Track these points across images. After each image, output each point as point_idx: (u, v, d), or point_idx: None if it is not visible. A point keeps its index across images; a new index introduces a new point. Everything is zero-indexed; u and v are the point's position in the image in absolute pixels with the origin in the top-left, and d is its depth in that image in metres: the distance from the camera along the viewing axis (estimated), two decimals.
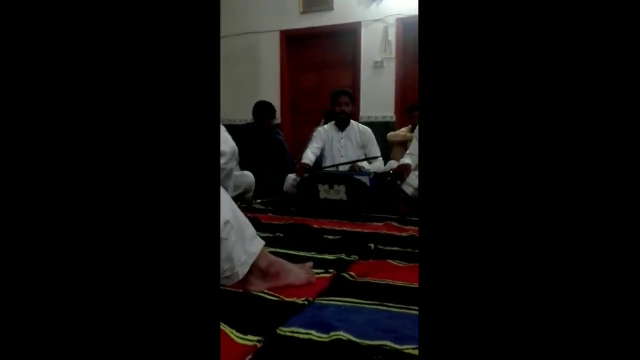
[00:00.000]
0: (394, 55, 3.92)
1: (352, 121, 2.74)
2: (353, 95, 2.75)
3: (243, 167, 2.64)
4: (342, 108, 2.63)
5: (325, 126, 2.79)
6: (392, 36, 3.90)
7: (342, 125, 2.70)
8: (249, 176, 2.46)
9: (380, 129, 3.63)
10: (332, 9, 4.08)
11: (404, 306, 0.85)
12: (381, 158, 2.70)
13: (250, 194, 2.48)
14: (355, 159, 2.59)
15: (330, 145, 2.71)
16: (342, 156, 2.66)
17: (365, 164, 2.54)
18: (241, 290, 0.92)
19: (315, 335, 0.72)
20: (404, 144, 3.10)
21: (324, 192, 2.20)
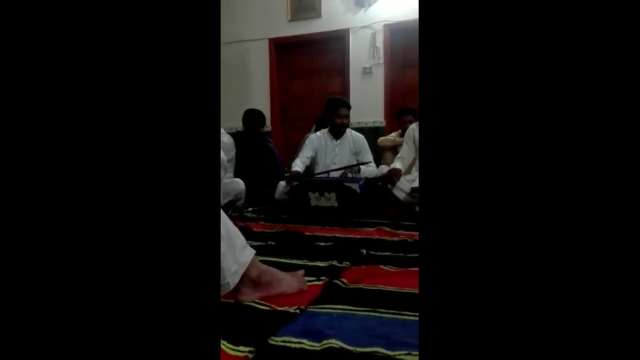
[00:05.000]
0: (382, 60, 3.95)
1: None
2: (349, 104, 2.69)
3: (234, 174, 2.63)
4: (342, 121, 2.57)
5: (318, 133, 2.74)
6: (380, 42, 3.93)
7: (337, 134, 2.65)
8: (239, 183, 2.45)
9: (370, 134, 3.65)
10: (319, 16, 4.10)
11: (396, 311, 0.85)
12: (373, 163, 2.69)
13: (241, 202, 2.47)
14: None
15: (324, 152, 2.67)
16: (335, 164, 2.62)
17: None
18: (232, 301, 0.92)
19: (307, 344, 0.72)
20: (394, 149, 3.11)
21: (315, 199, 2.19)
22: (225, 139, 2.61)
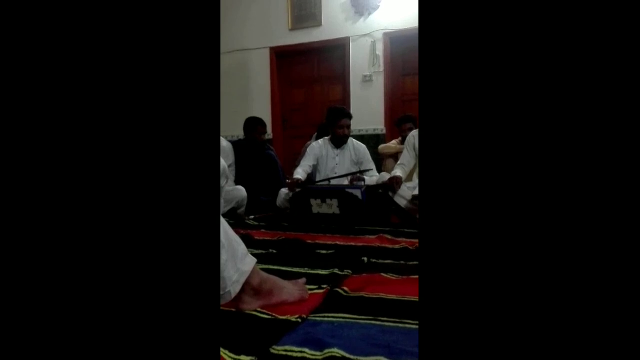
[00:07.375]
0: (382, 69, 3.98)
1: None
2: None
3: (235, 183, 2.63)
4: (344, 132, 2.57)
5: (320, 141, 2.73)
6: (380, 50, 3.96)
7: (338, 144, 2.65)
8: (240, 190, 2.45)
9: (370, 141, 3.66)
10: (320, 24, 4.14)
11: (398, 320, 0.85)
12: (375, 171, 2.68)
13: (243, 209, 2.47)
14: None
15: (325, 161, 2.67)
16: (336, 172, 2.62)
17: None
18: (233, 309, 0.92)
19: (308, 353, 0.71)
20: (395, 156, 3.11)
21: (316, 206, 2.19)
22: (225, 144, 2.63)
